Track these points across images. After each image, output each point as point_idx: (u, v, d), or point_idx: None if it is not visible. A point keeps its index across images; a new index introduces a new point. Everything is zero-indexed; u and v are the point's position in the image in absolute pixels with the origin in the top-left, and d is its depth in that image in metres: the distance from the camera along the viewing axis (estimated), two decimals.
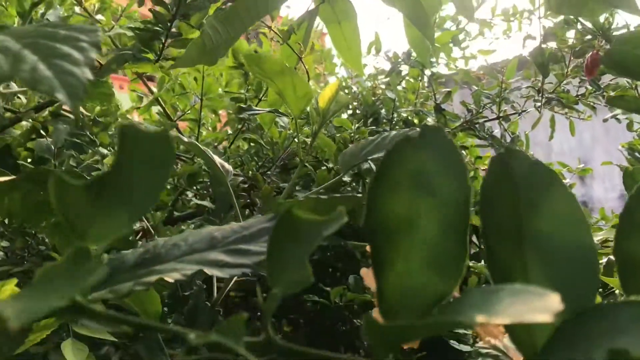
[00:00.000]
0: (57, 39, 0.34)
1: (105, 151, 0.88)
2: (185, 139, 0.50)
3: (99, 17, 1.12)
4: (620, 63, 0.71)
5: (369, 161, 1.01)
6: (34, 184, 0.46)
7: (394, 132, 0.52)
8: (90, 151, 0.92)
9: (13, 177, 0.45)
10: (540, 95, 0.95)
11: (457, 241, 0.25)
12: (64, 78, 0.30)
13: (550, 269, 0.28)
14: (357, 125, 1.05)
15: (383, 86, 1.38)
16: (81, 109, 0.94)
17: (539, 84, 1.13)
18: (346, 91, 1.47)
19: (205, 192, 1.07)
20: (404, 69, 1.34)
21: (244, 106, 0.89)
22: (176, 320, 0.83)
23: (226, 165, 0.52)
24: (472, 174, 1.27)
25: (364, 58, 1.54)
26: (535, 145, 1.43)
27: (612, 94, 1.03)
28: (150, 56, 0.94)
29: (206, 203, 0.97)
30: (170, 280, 0.30)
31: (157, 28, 0.82)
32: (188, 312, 0.78)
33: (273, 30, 0.84)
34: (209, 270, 0.31)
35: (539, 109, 1.04)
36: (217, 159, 0.51)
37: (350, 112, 1.43)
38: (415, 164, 0.26)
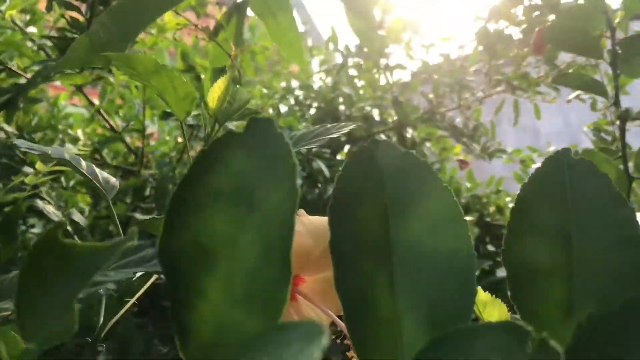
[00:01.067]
0: None
1: (30, 170, 0.83)
2: (64, 156, 0.44)
3: (30, 29, 1.07)
4: (562, 38, 0.66)
5: (319, 161, 0.96)
6: None
7: (303, 130, 0.47)
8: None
9: None
10: (487, 78, 0.90)
11: (280, 265, 0.20)
12: None
13: (421, 284, 0.23)
14: (304, 124, 1.00)
15: (343, 80, 1.33)
16: (8, 127, 0.89)
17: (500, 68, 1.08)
18: (308, 90, 1.42)
19: (154, 205, 1.02)
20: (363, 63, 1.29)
21: (168, 111, 0.83)
22: (107, 348, 0.77)
23: (111, 181, 0.47)
24: (437, 165, 1.23)
25: (323, 54, 1.49)
26: (522, 130, 1.38)
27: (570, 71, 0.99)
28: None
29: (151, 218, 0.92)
30: None
31: (75, 35, 0.77)
32: (119, 340, 0.72)
33: (198, 27, 0.79)
34: None
35: (485, 95, 0.99)
36: (101, 174, 0.46)
37: (314, 110, 1.38)
38: (235, 168, 0.21)
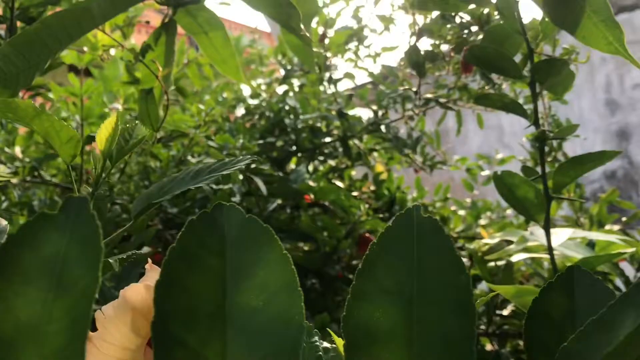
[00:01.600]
0: None
1: None
2: None
3: None
4: (482, 58, 0.67)
5: (257, 178, 0.95)
6: None
7: (200, 165, 0.47)
8: None
9: None
10: (417, 97, 0.91)
11: (82, 347, 0.19)
12: None
13: (253, 355, 0.23)
14: (241, 140, 0.99)
15: (288, 91, 1.33)
16: None
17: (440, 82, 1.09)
18: (260, 99, 1.42)
19: None
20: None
21: (91, 135, 0.82)
22: None
23: (2, 223, 0.46)
24: (383, 176, 1.24)
25: (270, 65, 1.49)
26: (488, 129, 1.40)
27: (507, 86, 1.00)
28: None
29: None
30: None
31: None
32: None
33: (125, 48, 0.78)
34: None
35: (416, 112, 1.00)
36: None
37: (263, 121, 1.37)
38: (46, 251, 0.21)
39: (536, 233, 0.72)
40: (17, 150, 1.08)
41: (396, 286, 0.26)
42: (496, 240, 0.91)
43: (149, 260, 0.32)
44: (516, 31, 0.65)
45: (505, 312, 0.89)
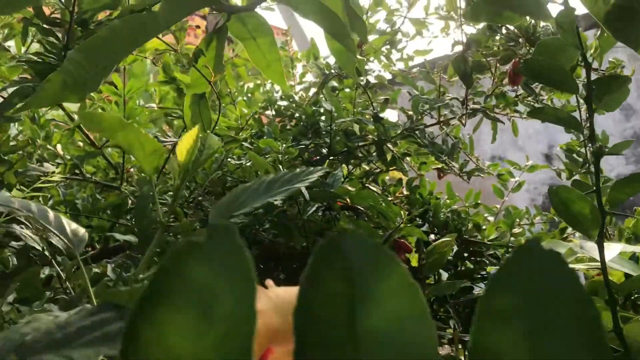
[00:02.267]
0: None
1: (7, 194, 0.82)
2: (32, 209, 0.45)
3: (9, 44, 1.06)
4: (537, 72, 0.67)
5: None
6: None
7: (271, 176, 0.47)
8: None
9: None
10: (464, 107, 0.91)
11: None
12: None
13: None
14: (284, 145, 1.00)
15: (324, 94, 1.34)
16: None
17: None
18: (290, 100, 1.42)
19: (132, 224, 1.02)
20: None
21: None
22: None
23: (81, 232, 0.47)
24: (415, 182, 1.24)
25: (302, 66, 1.50)
26: (502, 130, 1.40)
27: (547, 96, 1.00)
28: None
29: (130, 238, 0.92)
30: None
31: (51, 59, 0.76)
32: None
33: (179, 53, 0.79)
34: None
35: (463, 121, 1.00)
36: (70, 226, 0.46)
37: (293, 123, 1.38)
38: (196, 284, 0.22)
39: (586, 246, 0.72)
40: (59, 148, 1.09)
41: (520, 322, 0.27)
42: None
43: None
44: (573, 45, 0.66)
45: None
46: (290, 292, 0.33)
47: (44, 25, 0.75)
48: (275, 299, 0.32)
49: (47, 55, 0.77)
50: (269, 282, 0.33)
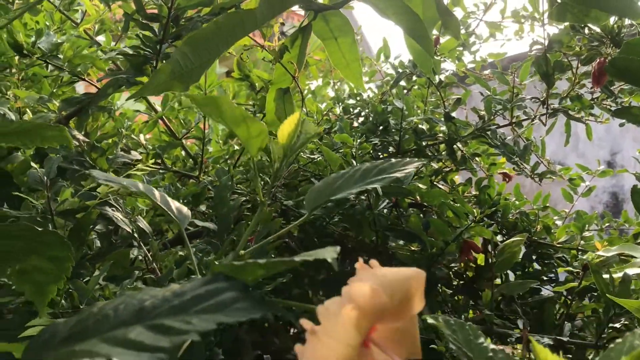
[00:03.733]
0: None
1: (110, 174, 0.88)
2: (139, 187, 0.48)
3: (99, 38, 1.12)
4: (624, 71, 0.67)
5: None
6: None
7: (367, 164, 0.49)
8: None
9: None
10: (545, 107, 0.91)
11: None
12: None
13: None
14: (359, 140, 1.02)
15: (394, 93, 1.35)
16: (80, 135, 0.94)
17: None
18: (357, 99, 1.44)
19: (210, 211, 1.06)
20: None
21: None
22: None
23: (184, 210, 0.50)
24: (485, 182, 1.24)
25: (374, 65, 1.51)
26: (563, 136, 1.38)
27: (625, 99, 0.99)
28: (144, 79, 0.93)
29: (209, 224, 0.96)
30: None
31: (147, 52, 0.81)
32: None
33: (265, 49, 0.82)
34: (117, 354, 0.29)
35: (544, 121, 1.00)
36: (174, 204, 0.50)
37: (362, 119, 1.40)
38: None
39: None
40: (142, 138, 1.15)
41: None
42: (611, 253, 0.90)
43: (360, 260, 0.35)
44: None
45: (617, 325, 0.88)
46: (395, 272, 0.35)
47: (143, 21, 0.79)
48: (382, 278, 0.33)
49: (142, 48, 0.81)
50: (374, 262, 0.35)
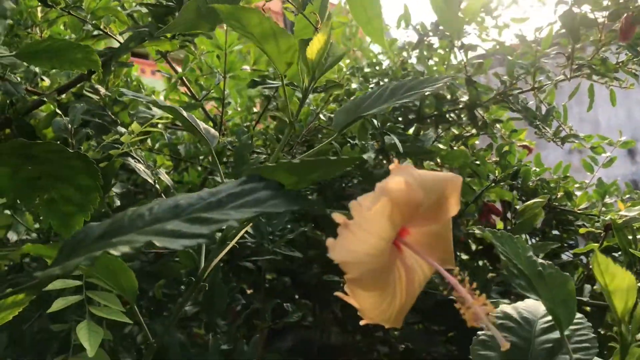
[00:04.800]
0: None
1: (123, 129, 0.88)
2: (164, 104, 0.48)
3: None
4: None
5: (393, 136, 0.98)
6: (22, 158, 0.46)
7: (394, 82, 0.49)
8: (112, 130, 0.92)
9: None
10: (569, 62, 0.90)
11: None
12: None
13: None
14: None
15: (414, 59, 1.34)
16: (102, 89, 0.94)
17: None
18: (377, 68, 1.44)
19: (230, 170, 1.07)
20: (434, 41, 1.29)
21: (257, 79, 0.87)
22: (194, 300, 0.82)
23: (212, 131, 0.50)
24: (506, 148, 1.23)
25: (394, 31, 1.50)
26: (583, 122, 1.37)
27: None
28: (168, 34, 0.93)
29: (227, 181, 0.96)
30: (117, 253, 0.29)
31: (170, 3, 0.81)
32: (205, 292, 0.77)
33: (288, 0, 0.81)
34: (159, 242, 0.29)
35: (569, 77, 0.98)
36: (202, 125, 0.50)
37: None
38: None
39: None
40: (162, 98, 1.15)
41: None
42: (634, 212, 0.89)
43: (396, 160, 0.35)
44: None
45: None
46: (432, 173, 0.35)
47: None
48: (418, 176, 0.33)
49: None
50: (410, 164, 0.35)
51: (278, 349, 1.14)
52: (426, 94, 1.21)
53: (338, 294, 0.34)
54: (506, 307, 0.46)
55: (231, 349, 0.74)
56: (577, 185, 1.25)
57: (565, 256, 1.17)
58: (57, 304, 0.70)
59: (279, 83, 0.87)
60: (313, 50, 0.45)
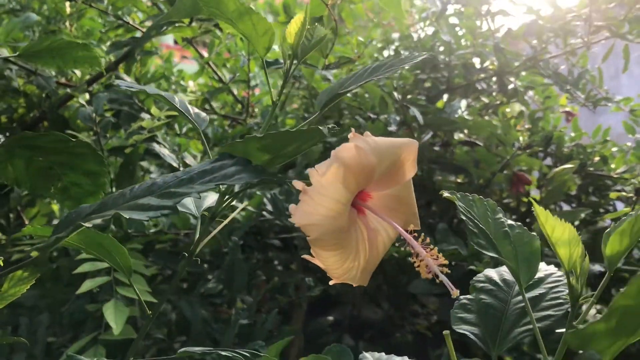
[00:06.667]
0: None
1: (147, 116, 0.91)
2: (155, 91, 0.50)
3: None
4: None
5: (414, 108, 0.97)
6: (32, 150, 0.48)
7: (376, 63, 0.49)
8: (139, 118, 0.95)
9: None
10: (587, 23, 0.87)
11: None
12: None
13: None
14: (399, 71, 1.01)
15: (444, 29, 1.32)
16: (127, 78, 0.97)
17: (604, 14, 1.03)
18: (408, 40, 1.42)
19: None
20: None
21: (269, 60, 0.88)
22: (217, 277, 0.85)
23: (202, 115, 0.52)
24: (539, 114, 1.20)
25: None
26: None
27: None
28: (186, 20, 0.95)
29: None
30: (89, 225, 0.31)
31: None
32: (226, 269, 0.79)
33: None
34: (127, 214, 0.32)
35: (585, 39, 0.95)
36: (193, 109, 0.52)
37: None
38: None
39: None
40: (191, 84, 1.18)
41: None
42: None
43: (352, 129, 0.36)
44: None
45: None
46: (387, 139, 0.36)
47: None
48: (372, 142, 0.34)
49: None
50: (367, 133, 0.35)
51: (319, 323, 1.17)
52: (452, 63, 1.19)
53: (305, 256, 0.36)
54: (490, 271, 0.46)
55: (251, 323, 0.76)
56: (615, 149, 1.21)
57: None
58: (86, 285, 0.75)
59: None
60: (290, 32, 0.46)
